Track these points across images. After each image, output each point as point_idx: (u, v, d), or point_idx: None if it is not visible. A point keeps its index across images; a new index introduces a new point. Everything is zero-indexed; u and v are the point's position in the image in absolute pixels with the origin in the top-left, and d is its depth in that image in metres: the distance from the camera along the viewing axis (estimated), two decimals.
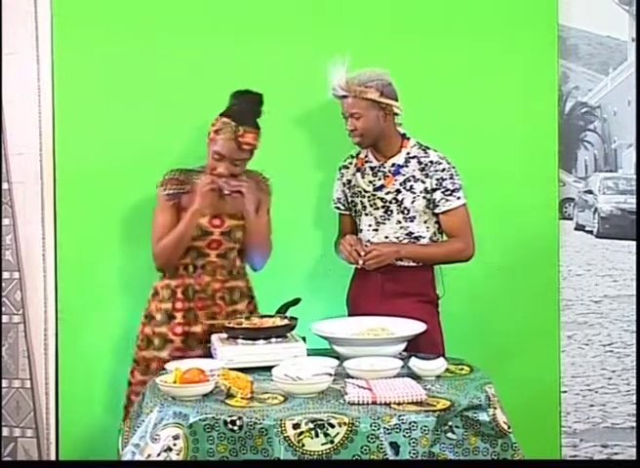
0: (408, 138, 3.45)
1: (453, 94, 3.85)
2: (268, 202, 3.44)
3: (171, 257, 3.30)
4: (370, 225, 3.45)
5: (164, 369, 3.11)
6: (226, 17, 3.80)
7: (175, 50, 3.77)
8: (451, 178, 3.38)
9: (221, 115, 3.29)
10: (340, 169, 3.57)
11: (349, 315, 3.49)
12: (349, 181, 3.52)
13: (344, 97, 3.36)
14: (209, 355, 3.11)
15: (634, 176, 4.03)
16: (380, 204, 3.43)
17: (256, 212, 3.33)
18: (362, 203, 3.47)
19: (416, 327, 3.13)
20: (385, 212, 3.42)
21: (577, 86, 4.03)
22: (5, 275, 3.83)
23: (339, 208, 3.59)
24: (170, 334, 3.31)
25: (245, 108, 3.29)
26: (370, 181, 3.45)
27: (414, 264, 3.40)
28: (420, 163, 3.40)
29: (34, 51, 3.76)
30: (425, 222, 3.42)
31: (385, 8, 3.85)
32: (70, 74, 3.75)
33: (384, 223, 3.43)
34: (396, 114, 3.39)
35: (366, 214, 3.46)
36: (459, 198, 3.39)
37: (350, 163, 3.54)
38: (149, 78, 3.77)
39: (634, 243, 4.02)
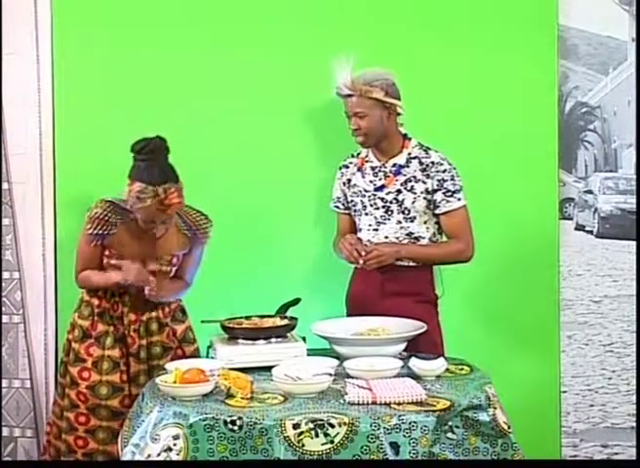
0: (409, 139, 3.46)
1: (453, 94, 3.85)
2: (202, 248, 3.35)
3: (92, 290, 3.30)
4: (370, 225, 3.45)
5: (74, 384, 3.20)
6: (227, 16, 3.80)
7: (176, 49, 3.77)
8: (452, 180, 3.38)
9: (133, 179, 3.10)
10: (339, 168, 3.57)
11: (348, 315, 3.49)
12: (349, 181, 3.52)
13: (349, 95, 3.35)
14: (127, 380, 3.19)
15: (634, 176, 4.02)
16: (380, 204, 3.43)
17: (182, 256, 3.32)
18: (362, 202, 3.46)
19: (416, 327, 3.13)
20: (386, 211, 3.42)
21: (577, 86, 4.02)
22: (5, 275, 3.83)
23: (338, 207, 3.59)
24: (83, 353, 3.26)
25: (155, 163, 3.09)
26: (370, 181, 3.45)
27: (413, 264, 3.40)
28: (421, 163, 3.40)
29: (34, 51, 3.76)
30: (425, 223, 3.42)
31: (386, 8, 3.84)
32: (70, 74, 3.75)
33: (385, 223, 3.43)
34: (399, 114, 3.40)
35: (366, 214, 3.46)
36: (459, 199, 3.39)
37: (350, 162, 3.54)
38: (149, 78, 3.77)
39: (634, 243, 4.02)
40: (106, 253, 3.25)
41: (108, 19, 3.76)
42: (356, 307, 3.46)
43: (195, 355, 3.37)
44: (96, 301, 3.29)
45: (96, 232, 3.20)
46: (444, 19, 3.87)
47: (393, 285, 3.37)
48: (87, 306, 3.31)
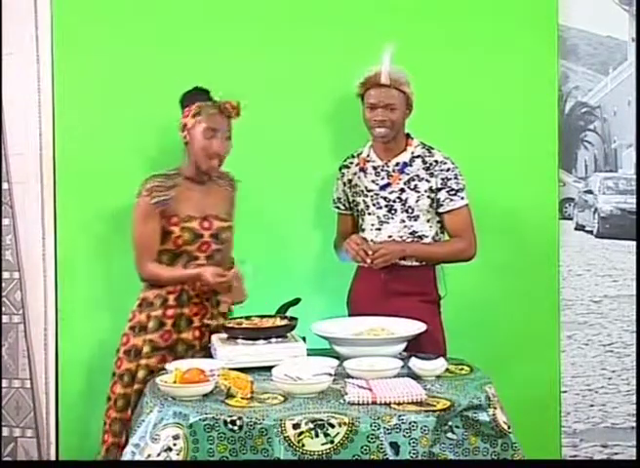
0: (412, 138, 3.47)
1: (453, 94, 3.85)
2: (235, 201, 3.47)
3: (159, 284, 3.28)
4: (373, 224, 3.45)
5: (151, 372, 3.14)
6: (229, 16, 3.79)
7: (176, 48, 3.76)
8: (455, 178, 3.39)
9: (189, 107, 3.31)
10: (340, 169, 3.57)
11: (352, 314, 3.49)
12: (350, 181, 3.52)
13: (383, 86, 3.35)
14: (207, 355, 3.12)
15: (634, 176, 4.03)
16: (383, 203, 3.43)
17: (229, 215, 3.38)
18: (365, 202, 3.47)
19: (416, 327, 3.13)
20: (389, 211, 3.42)
21: (577, 86, 4.03)
22: (5, 275, 3.83)
23: (338, 207, 3.59)
24: (160, 342, 3.24)
25: (204, 96, 3.33)
26: (373, 180, 3.45)
27: (417, 263, 3.40)
28: (424, 162, 3.41)
29: (34, 51, 3.76)
30: (429, 221, 3.43)
31: (385, 7, 3.84)
32: (70, 74, 3.75)
33: (388, 222, 3.43)
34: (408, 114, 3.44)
35: (369, 214, 3.46)
36: (462, 198, 3.40)
37: (351, 162, 3.54)
38: (150, 78, 3.77)
39: (634, 243, 4.02)
40: (172, 220, 3.25)
41: (109, 18, 3.76)
42: (359, 307, 3.46)
43: None
44: (167, 289, 3.27)
45: (156, 200, 3.23)
46: (444, 19, 3.87)
47: (397, 284, 3.37)
48: (158, 298, 3.28)
